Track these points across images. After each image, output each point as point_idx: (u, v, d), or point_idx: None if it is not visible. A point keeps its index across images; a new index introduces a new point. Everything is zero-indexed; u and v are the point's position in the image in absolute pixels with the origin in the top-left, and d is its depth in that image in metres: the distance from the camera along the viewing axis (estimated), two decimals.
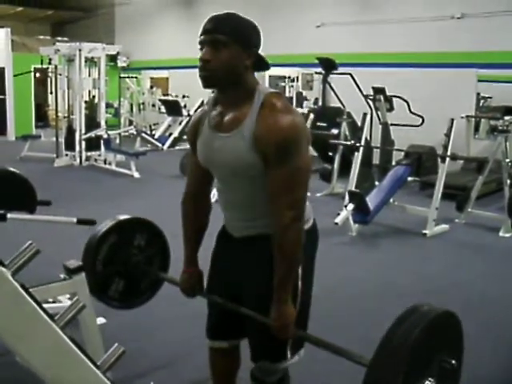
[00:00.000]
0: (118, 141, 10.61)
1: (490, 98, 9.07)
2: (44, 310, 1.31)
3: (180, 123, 11.48)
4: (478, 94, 8.89)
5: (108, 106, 10.91)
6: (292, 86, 11.19)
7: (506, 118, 7.86)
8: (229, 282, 1.96)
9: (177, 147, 10.95)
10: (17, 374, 2.41)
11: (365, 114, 6.56)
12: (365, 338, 2.28)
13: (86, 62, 9.43)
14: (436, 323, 1.54)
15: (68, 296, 3.12)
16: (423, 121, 7.63)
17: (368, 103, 7.67)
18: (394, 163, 7.22)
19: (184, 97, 12.02)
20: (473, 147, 8.32)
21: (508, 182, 5.78)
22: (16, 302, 1.26)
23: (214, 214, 2.02)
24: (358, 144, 6.29)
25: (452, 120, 5.73)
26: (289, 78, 11.29)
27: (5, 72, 11.86)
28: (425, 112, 7.66)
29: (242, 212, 1.87)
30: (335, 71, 8.10)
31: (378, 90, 7.36)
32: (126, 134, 11.75)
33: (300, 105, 10.54)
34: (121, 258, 2.32)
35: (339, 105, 8.48)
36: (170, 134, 11.48)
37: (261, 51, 1.76)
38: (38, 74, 13.58)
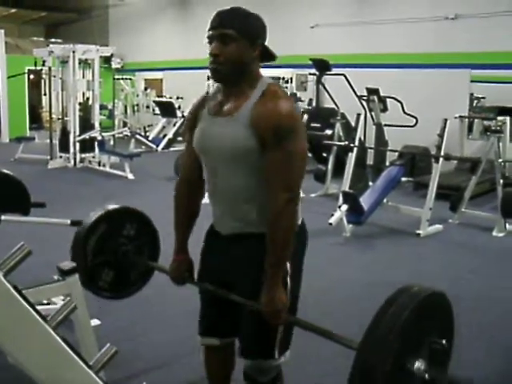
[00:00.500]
0: (112, 142, 10.62)
1: (484, 98, 9.11)
2: (36, 310, 1.31)
3: (174, 125, 11.49)
4: (472, 94, 8.93)
5: (102, 107, 10.90)
6: (286, 88, 11.21)
7: (499, 118, 7.90)
8: (219, 280, 1.96)
9: (171, 148, 10.94)
10: (17, 374, 2.40)
11: (359, 115, 6.57)
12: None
13: (79, 63, 9.43)
14: (426, 304, 1.50)
15: (62, 297, 3.12)
16: (417, 121, 7.67)
17: (362, 104, 7.69)
18: (387, 164, 7.25)
19: (178, 98, 11.99)
20: (466, 147, 8.36)
21: (501, 181, 5.80)
22: (8, 303, 1.26)
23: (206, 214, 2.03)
24: (351, 145, 6.31)
25: (445, 120, 5.74)
26: (283, 79, 11.32)
27: None
28: (418, 112, 7.69)
29: (232, 206, 1.87)
30: (329, 72, 8.13)
31: (372, 91, 7.39)
32: (120, 135, 11.77)
33: None
34: (110, 247, 2.31)
35: (333, 106, 8.51)
36: (164, 136, 11.49)
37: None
38: (31, 76, 13.56)
